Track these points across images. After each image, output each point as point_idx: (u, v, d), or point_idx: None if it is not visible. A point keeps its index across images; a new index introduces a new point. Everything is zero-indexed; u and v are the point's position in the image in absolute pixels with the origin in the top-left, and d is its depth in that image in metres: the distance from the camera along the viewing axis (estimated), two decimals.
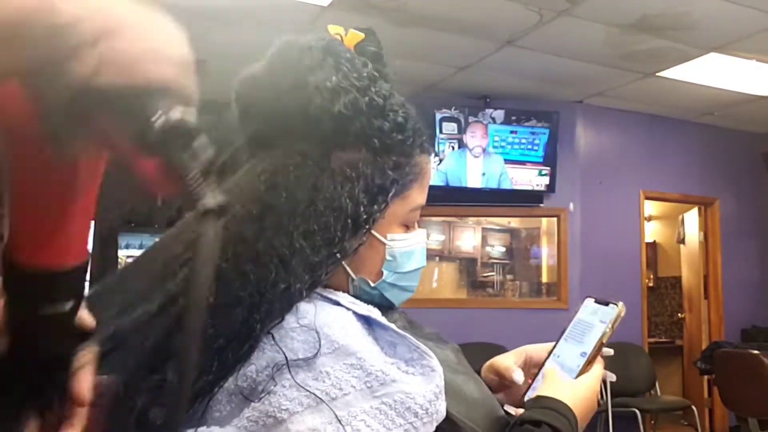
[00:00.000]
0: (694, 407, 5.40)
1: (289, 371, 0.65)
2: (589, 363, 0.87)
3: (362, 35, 0.82)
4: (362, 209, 0.75)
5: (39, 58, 0.38)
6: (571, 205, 5.60)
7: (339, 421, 0.64)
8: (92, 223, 0.55)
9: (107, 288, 0.75)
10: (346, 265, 0.78)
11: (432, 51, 4.57)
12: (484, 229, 7.35)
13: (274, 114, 0.77)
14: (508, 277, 7.26)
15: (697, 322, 6.47)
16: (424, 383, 0.69)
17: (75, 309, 0.56)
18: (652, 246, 7.75)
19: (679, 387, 7.00)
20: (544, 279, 6.43)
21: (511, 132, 5.41)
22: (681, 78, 5.00)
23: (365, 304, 0.75)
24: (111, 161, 0.48)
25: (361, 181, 0.75)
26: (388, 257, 0.80)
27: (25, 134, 0.44)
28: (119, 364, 0.66)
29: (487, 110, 5.41)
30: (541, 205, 5.58)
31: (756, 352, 4.22)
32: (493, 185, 5.40)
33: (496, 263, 7.38)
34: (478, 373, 0.95)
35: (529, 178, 5.46)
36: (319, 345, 0.67)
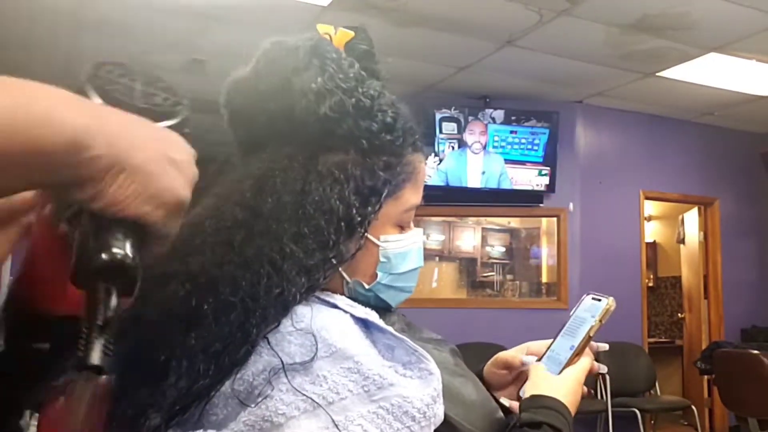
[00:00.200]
0: (693, 407, 5.40)
1: (286, 375, 0.65)
2: (577, 355, 0.88)
3: (352, 33, 0.81)
4: (354, 211, 0.74)
5: (61, 179, 0.45)
6: (571, 205, 5.60)
7: (336, 425, 0.63)
8: None
9: None
10: (340, 268, 0.77)
11: (432, 51, 4.57)
12: (483, 229, 7.35)
13: (260, 117, 0.77)
14: (508, 277, 7.26)
15: (697, 322, 6.47)
16: (422, 387, 0.68)
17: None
18: (652, 246, 7.74)
19: (678, 387, 7.00)
20: (544, 279, 6.43)
21: (511, 132, 5.41)
22: (681, 78, 5.00)
23: (363, 307, 0.74)
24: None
25: (351, 182, 0.75)
26: (382, 259, 0.79)
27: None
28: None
29: (487, 110, 5.40)
30: (541, 205, 5.58)
31: (756, 352, 4.22)
32: (493, 185, 5.40)
33: (496, 263, 7.38)
34: (479, 374, 0.95)
35: (529, 178, 5.45)
36: (316, 348, 0.66)
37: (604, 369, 0.94)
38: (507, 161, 5.40)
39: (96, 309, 0.47)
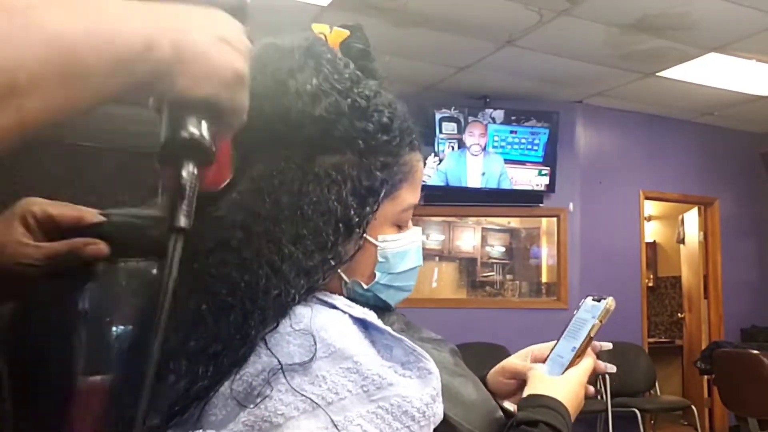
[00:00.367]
0: (693, 407, 5.40)
1: (285, 376, 0.65)
2: (579, 356, 0.88)
3: (347, 33, 0.81)
4: (352, 212, 0.74)
5: (142, 78, 0.52)
6: (571, 205, 5.60)
7: (335, 425, 0.63)
8: None
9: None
10: (338, 269, 0.77)
11: (432, 51, 4.57)
12: (483, 229, 7.35)
13: (256, 119, 0.77)
14: (508, 277, 7.27)
15: (696, 322, 6.47)
16: (421, 386, 0.68)
17: None
18: (652, 246, 7.75)
19: (678, 387, 7.00)
20: (544, 279, 6.43)
21: (511, 132, 5.41)
22: (681, 78, 5.00)
23: (361, 307, 0.74)
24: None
25: (348, 183, 0.75)
26: (380, 258, 0.79)
27: None
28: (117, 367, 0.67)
29: (486, 110, 5.41)
30: (540, 205, 5.59)
31: (756, 352, 4.21)
32: (493, 185, 5.40)
33: (496, 263, 7.38)
34: (482, 378, 0.95)
35: (529, 178, 5.46)
36: (315, 349, 0.66)
37: (612, 369, 0.93)
38: (507, 161, 5.40)
39: (179, 180, 0.56)
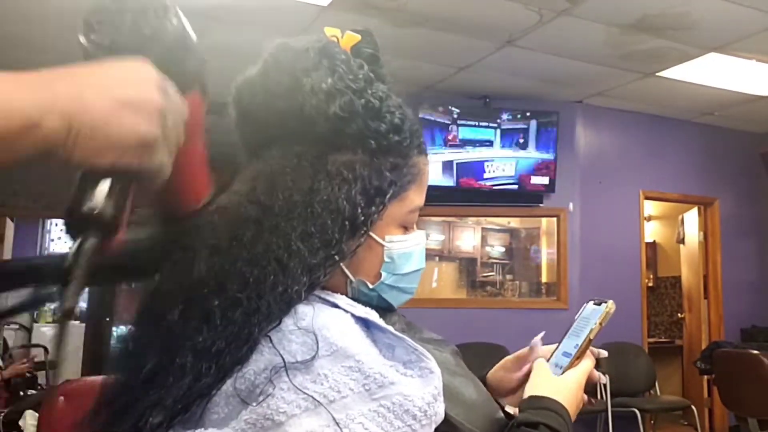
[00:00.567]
0: (693, 407, 5.40)
1: (287, 374, 0.65)
2: (577, 358, 0.89)
3: (359, 37, 0.82)
4: (359, 211, 0.75)
5: (26, 155, 0.51)
6: (571, 205, 5.60)
7: (337, 424, 0.63)
8: None
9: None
10: (344, 267, 0.78)
11: (432, 51, 4.57)
12: (483, 229, 7.35)
13: (270, 116, 0.78)
14: (508, 276, 7.26)
15: (696, 322, 6.47)
16: (423, 385, 0.68)
17: None
18: (652, 246, 7.75)
19: (678, 387, 7.00)
20: (544, 279, 6.43)
21: (512, 132, 5.41)
22: (681, 78, 5.00)
23: (363, 307, 0.74)
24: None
25: (359, 182, 0.75)
26: (386, 259, 0.80)
27: None
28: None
29: (487, 110, 5.41)
30: (541, 205, 5.58)
31: (756, 352, 4.21)
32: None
33: (496, 263, 7.38)
34: (482, 379, 0.95)
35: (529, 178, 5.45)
36: (317, 347, 0.66)
37: (604, 379, 0.95)
38: (507, 161, 5.40)
39: (76, 257, 0.55)
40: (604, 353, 0.95)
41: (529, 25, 4.12)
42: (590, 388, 0.94)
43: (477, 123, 5.35)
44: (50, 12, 3.88)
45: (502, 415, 0.84)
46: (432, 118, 5.20)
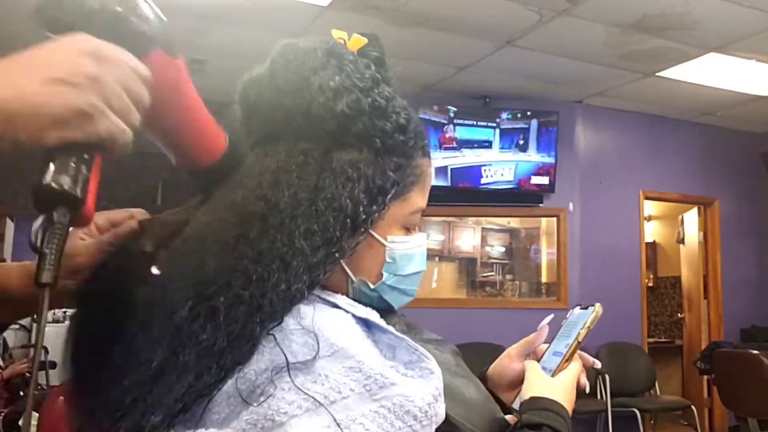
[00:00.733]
0: (693, 407, 5.40)
1: (289, 374, 0.65)
2: (566, 361, 0.91)
3: (365, 40, 0.83)
4: (361, 209, 0.75)
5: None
6: (571, 205, 5.60)
7: (338, 424, 0.63)
8: None
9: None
10: (345, 266, 0.78)
11: (432, 51, 4.57)
12: (483, 229, 7.35)
13: (276, 113, 0.78)
14: (508, 277, 7.26)
15: (696, 322, 6.47)
16: (423, 386, 0.68)
17: None
18: (652, 246, 7.75)
19: (678, 387, 7.01)
20: (544, 279, 6.43)
21: (512, 131, 5.41)
22: (681, 78, 5.01)
23: (364, 307, 0.74)
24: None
25: (362, 181, 0.76)
26: (388, 259, 0.80)
27: None
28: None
29: (487, 110, 5.41)
30: (540, 205, 5.59)
31: (755, 352, 4.22)
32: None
33: (496, 263, 7.38)
34: (482, 377, 0.96)
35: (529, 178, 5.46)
36: (318, 348, 0.66)
37: (598, 364, 0.99)
38: (507, 161, 5.40)
39: (49, 229, 0.57)
40: (598, 364, 0.98)
41: (528, 25, 4.12)
42: (589, 380, 0.96)
43: (475, 123, 5.34)
44: None
45: (502, 415, 0.84)
46: (426, 117, 5.20)
